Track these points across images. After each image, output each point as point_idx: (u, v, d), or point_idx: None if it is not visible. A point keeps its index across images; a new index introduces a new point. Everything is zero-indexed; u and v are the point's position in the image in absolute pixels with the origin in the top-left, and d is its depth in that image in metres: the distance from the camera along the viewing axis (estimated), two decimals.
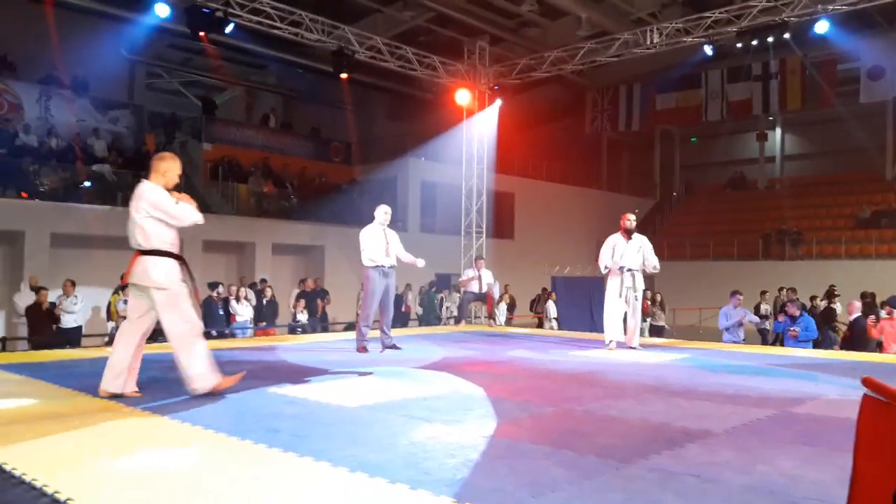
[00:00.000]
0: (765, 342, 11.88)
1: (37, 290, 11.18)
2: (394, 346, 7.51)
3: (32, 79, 16.61)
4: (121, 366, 4.42)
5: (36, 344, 10.35)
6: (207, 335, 9.07)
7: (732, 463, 3.10)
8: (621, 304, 7.84)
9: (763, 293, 14.20)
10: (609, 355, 7.33)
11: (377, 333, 7.69)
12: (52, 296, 11.39)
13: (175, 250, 4.49)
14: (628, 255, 7.87)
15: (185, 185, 17.68)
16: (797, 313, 9.79)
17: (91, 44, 16.25)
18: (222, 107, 22.44)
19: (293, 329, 12.48)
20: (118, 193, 15.34)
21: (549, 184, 24.32)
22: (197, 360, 4.41)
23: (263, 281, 14.03)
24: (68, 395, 4.61)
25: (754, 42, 12.25)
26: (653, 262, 7.99)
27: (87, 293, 12.28)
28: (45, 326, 10.98)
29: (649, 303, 13.91)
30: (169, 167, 4.58)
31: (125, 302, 11.34)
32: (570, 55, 14.58)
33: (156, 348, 7.77)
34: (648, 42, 13.35)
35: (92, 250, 14.22)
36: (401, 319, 14.03)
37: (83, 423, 3.72)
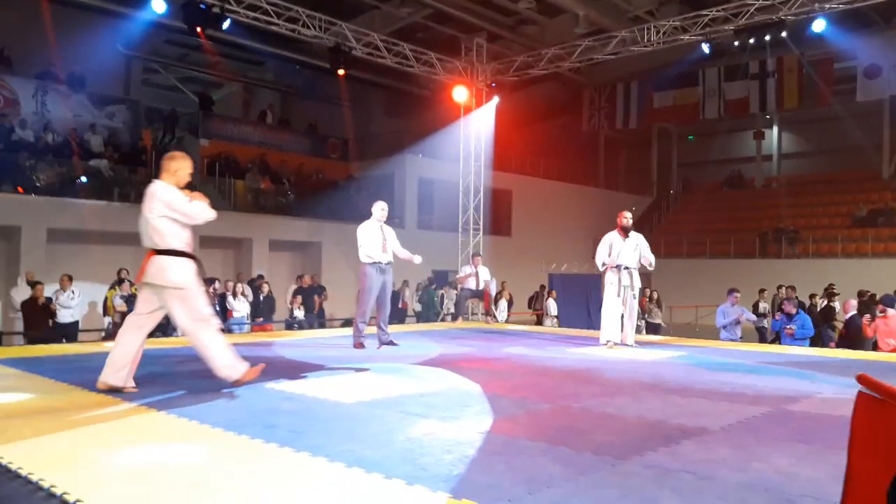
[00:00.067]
0: (763, 340, 11.89)
1: (33, 284, 11.16)
2: (391, 343, 7.51)
3: (29, 74, 16.56)
4: (124, 360, 4.43)
5: (32, 339, 10.34)
6: None
7: (728, 460, 3.11)
8: (619, 303, 7.85)
9: (762, 291, 14.21)
10: (606, 353, 7.34)
11: (374, 330, 7.70)
12: (49, 291, 11.38)
13: (189, 249, 4.52)
14: (625, 253, 7.88)
15: None
16: (793, 311, 9.81)
17: (87, 39, 16.20)
18: (219, 103, 22.40)
19: (290, 325, 12.48)
20: (114, 189, 15.33)
21: (547, 181, 24.32)
22: (221, 352, 4.51)
23: (260, 277, 14.02)
24: (65, 389, 4.60)
25: (751, 40, 12.26)
26: (649, 259, 8.00)
27: (84, 288, 12.26)
28: (41, 321, 10.97)
29: (647, 300, 13.95)
30: (179, 166, 4.59)
31: (122, 297, 11.45)
32: (567, 53, 14.57)
33: (153, 343, 7.76)
34: (646, 40, 13.36)
35: (88, 245, 14.20)
36: (398, 316, 14.04)
37: (80, 418, 3.72)
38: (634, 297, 7.93)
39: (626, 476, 2.87)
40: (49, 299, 11.17)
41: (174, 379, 5.03)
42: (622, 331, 7.93)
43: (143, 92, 20.75)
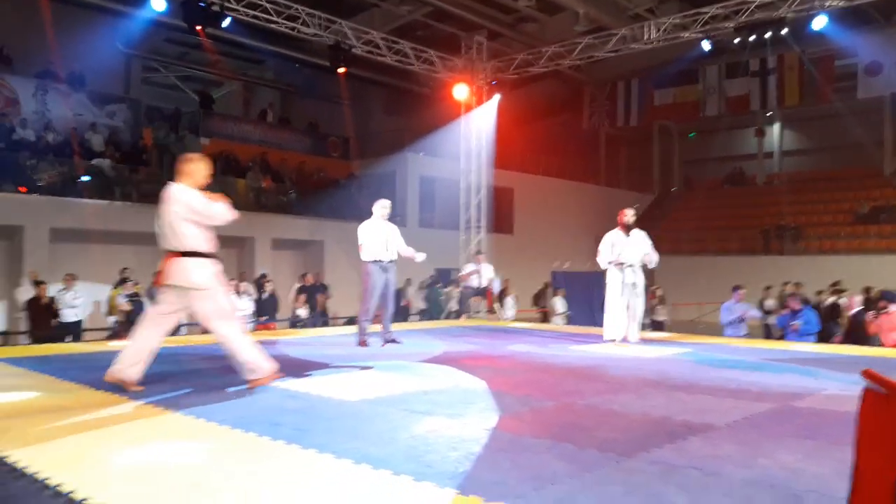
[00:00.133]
0: (768, 337, 11.81)
1: (37, 284, 11.17)
2: (394, 341, 7.52)
3: (29, 73, 16.56)
4: (139, 356, 4.47)
5: (36, 338, 10.35)
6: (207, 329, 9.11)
7: (734, 456, 3.11)
8: (622, 301, 7.83)
9: (767, 288, 14.09)
10: (609, 350, 7.34)
11: (378, 328, 7.70)
12: (52, 290, 11.39)
13: (210, 250, 4.55)
14: (628, 251, 7.86)
15: None
16: (798, 307, 9.80)
17: (87, 38, 16.20)
18: (220, 101, 22.39)
19: (294, 324, 12.49)
20: (116, 188, 15.33)
21: (548, 179, 24.31)
22: (246, 351, 4.54)
23: (263, 276, 14.03)
24: (70, 388, 4.61)
25: (752, 38, 12.24)
26: (652, 258, 7.99)
27: (87, 288, 12.28)
28: (45, 320, 10.99)
29: (656, 295, 13.85)
30: (196, 168, 4.61)
31: (125, 296, 11.45)
32: (567, 50, 14.57)
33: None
34: (646, 37, 13.35)
35: (90, 245, 14.21)
36: (401, 314, 14.04)
37: (85, 417, 3.73)
38: (638, 295, 7.89)
39: (632, 473, 2.87)
40: (53, 299, 11.19)
41: (180, 377, 5.04)
42: (625, 328, 7.92)
43: (143, 91, 20.75)
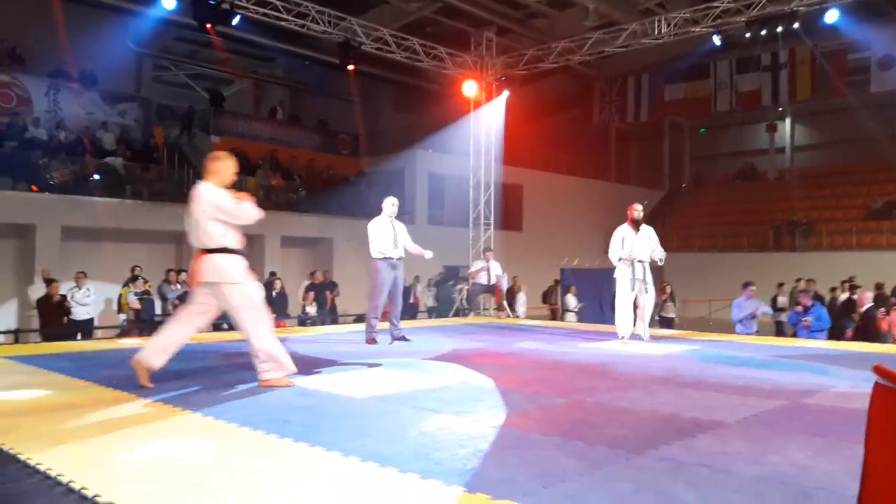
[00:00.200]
0: (780, 335, 11.68)
1: (49, 282, 11.25)
2: (403, 338, 7.53)
3: (41, 72, 16.68)
4: (169, 349, 4.55)
5: (48, 336, 10.43)
6: (218, 327, 9.15)
7: (743, 453, 3.10)
8: (632, 297, 7.79)
9: (780, 285, 13.94)
10: (618, 347, 7.33)
11: (386, 325, 7.71)
12: (64, 288, 11.48)
13: (239, 247, 4.59)
14: (638, 247, 7.82)
15: (193, 179, 17.72)
16: (809, 303, 9.73)
17: (98, 37, 16.30)
18: (230, 99, 22.47)
19: (302, 321, 12.52)
20: (127, 186, 15.43)
21: (558, 175, 24.24)
22: (270, 349, 4.56)
23: (272, 273, 14.07)
24: (81, 386, 4.65)
25: (763, 32, 12.13)
26: (660, 255, 7.95)
27: (97, 286, 12.36)
28: (56, 318, 11.06)
29: (666, 291, 13.78)
30: (223, 166, 4.67)
31: (136, 294, 11.52)
32: (577, 46, 14.50)
33: None
34: (656, 32, 13.27)
35: (102, 243, 14.31)
36: (409, 311, 14.05)
37: (96, 414, 3.75)
38: (647, 291, 7.85)
39: (641, 470, 2.86)
40: (64, 297, 11.27)
41: (190, 375, 5.06)
42: (634, 325, 7.89)
43: (153, 89, 20.86)
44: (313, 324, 12.24)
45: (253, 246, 17.00)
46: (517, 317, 14.28)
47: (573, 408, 4.15)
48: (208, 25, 11.79)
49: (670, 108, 22.71)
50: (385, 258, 7.35)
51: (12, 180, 13.74)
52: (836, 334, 10.06)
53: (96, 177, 15.09)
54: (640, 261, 7.79)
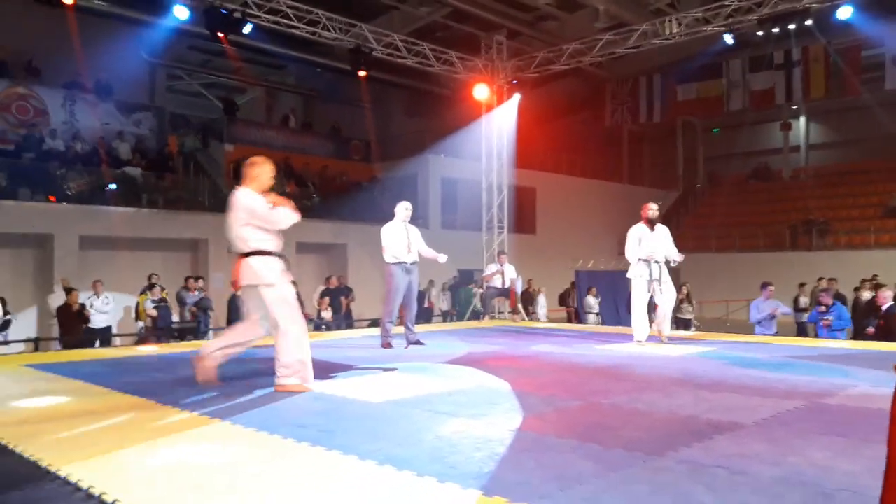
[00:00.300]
0: (802, 335, 11.47)
1: (68, 291, 11.38)
2: (418, 342, 7.54)
3: (57, 84, 16.89)
4: (233, 349, 4.72)
5: (67, 344, 10.54)
6: None
7: (762, 455, 3.07)
8: (648, 298, 7.72)
9: (801, 285, 13.75)
10: (634, 349, 7.29)
11: (401, 329, 7.72)
12: (82, 297, 11.60)
13: (277, 250, 4.65)
14: (654, 246, 7.75)
15: (208, 187, 17.79)
16: (829, 302, 9.62)
17: (112, 48, 16.47)
18: (243, 107, 22.63)
19: (318, 326, 12.57)
20: (143, 195, 15.58)
21: (571, 178, 24.19)
22: (295, 354, 4.59)
23: None
24: (100, 392, 4.69)
25: (776, 30, 12.06)
26: (676, 254, 7.87)
27: (115, 294, 12.48)
28: (75, 326, 11.18)
29: (683, 292, 13.65)
30: (260, 171, 4.72)
31: (153, 302, 11.62)
32: (588, 47, 14.48)
33: (186, 346, 7.88)
34: (668, 32, 13.22)
35: (119, 251, 14.45)
36: (424, 315, 14.07)
37: (114, 420, 3.79)
38: (662, 292, 7.77)
39: (658, 472, 2.84)
40: (83, 305, 11.39)
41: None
42: (651, 325, 7.83)
43: (167, 98, 21.05)
44: (328, 329, 12.27)
45: None
46: (538, 320, 14.26)
47: (589, 410, 4.13)
48: (220, 35, 11.88)
49: (683, 108, 22.57)
50: (399, 263, 7.36)
51: (30, 191, 13.92)
52: (859, 333, 9.93)
53: (113, 186, 15.25)
54: (656, 261, 7.72)
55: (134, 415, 3.95)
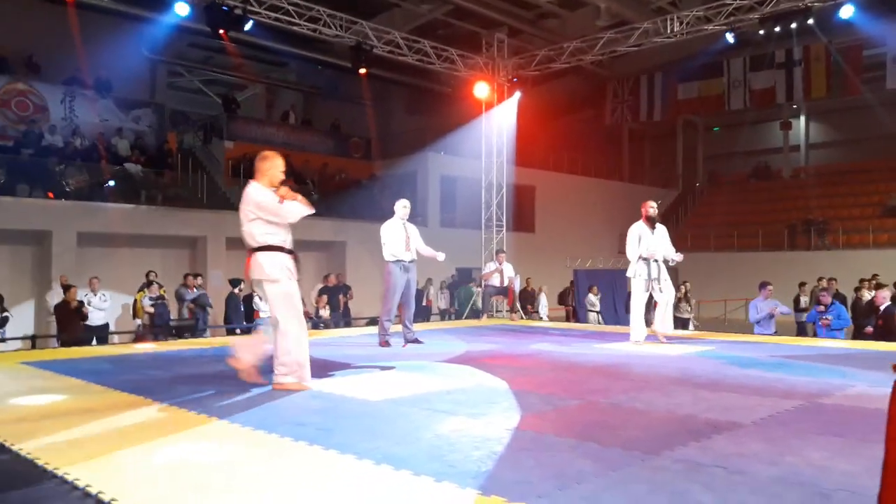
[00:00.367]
0: (802, 334, 11.44)
1: (67, 288, 11.37)
2: (416, 341, 7.53)
3: (56, 80, 16.86)
4: (263, 353, 4.77)
5: (65, 341, 10.53)
6: (231, 331, 9.20)
7: (760, 454, 3.07)
8: (646, 297, 7.71)
9: (801, 285, 13.71)
10: (633, 348, 7.28)
11: (399, 328, 7.71)
12: (80, 294, 11.59)
13: (286, 245, 4.66)
14: (655, 244, 7.74)
15: (207, 184, 17.74)
16: (829, 301, 9.61)
17: (113, 44, 16.44)
18: (243, 104, 22.60)
19: (316, 324, 12.55)
20: (142, 192, 15.56)
21: (570, 176, 24.17)
22: (293, 351, 4.59)
23: None
24: (97, 390, 4.68)
25: (777, 29, 12.03)
26: (674, 254, 7.86)
27: (113, 291, 12.47)
28: (73, 324, 11.17)
29: (682, 291, 13.64)
30: (270, 165, 4.77)
31: (150, 299, 11.61)
32: (589, 45, 14.46)
33: (184, 344, 7.88)
34: (669, 31, 13.20)
35: (117, 248, 14.44)
36: (422, 314, 14.06)
37: (112, 419, 3.78)
38: (661, 291, 7.75)
39: (656, 471, 2.84)
40: (81, 302, 11.37)
41: (204, 379, 5.10)
42: (650, 325, 7.82)
43: (167, 95, 21.01)
44: (326, 327, 12.26)
45: None
46: (540, 318, 14.26)
47: (588, 409, 4.13)
48: (221, 31, 11.85)
49: (683, 106, 22.57)
50: (397, 261, 7.35)
51: (29, 187, 13.91)
52: (859, 333, 9.92)
53: (111, 183, 15.23)
54: (655, 260, 7.71)
55: (131, 413, 3.94)
